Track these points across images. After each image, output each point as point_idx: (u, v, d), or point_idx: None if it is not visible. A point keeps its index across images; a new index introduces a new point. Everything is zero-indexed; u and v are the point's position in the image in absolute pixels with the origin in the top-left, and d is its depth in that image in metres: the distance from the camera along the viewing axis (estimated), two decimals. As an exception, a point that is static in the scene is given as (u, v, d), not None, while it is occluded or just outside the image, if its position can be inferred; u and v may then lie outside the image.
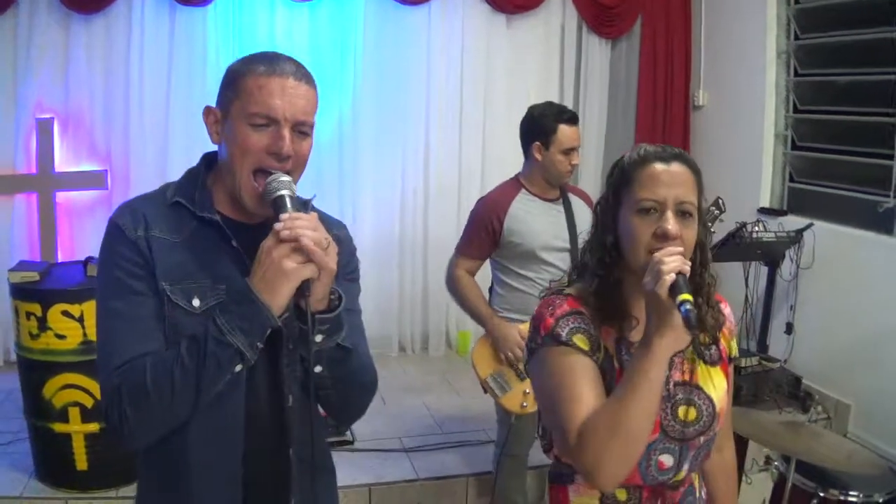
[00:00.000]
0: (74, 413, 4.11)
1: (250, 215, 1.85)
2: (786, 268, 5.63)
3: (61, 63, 6.01)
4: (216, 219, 1.83)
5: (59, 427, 4.14)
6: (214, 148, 1.91)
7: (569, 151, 3.87)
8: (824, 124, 5.89)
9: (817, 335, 5.55)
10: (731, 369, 2.08)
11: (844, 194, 5.59)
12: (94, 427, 4.13)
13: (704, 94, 7.02)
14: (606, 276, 1.93)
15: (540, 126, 3.91)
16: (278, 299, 1.68)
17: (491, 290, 4.12)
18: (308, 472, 1.90)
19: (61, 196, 6.05)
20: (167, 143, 6.15)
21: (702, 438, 1.95)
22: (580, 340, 1.89)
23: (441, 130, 6.82)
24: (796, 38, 6.03)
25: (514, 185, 4.02)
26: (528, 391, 3.82)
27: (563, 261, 3.90)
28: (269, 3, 6.34)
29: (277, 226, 1.67)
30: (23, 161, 5.99)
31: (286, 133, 1.76)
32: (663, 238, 1.82)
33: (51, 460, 4.26)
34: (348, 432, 4.95)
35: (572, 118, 3.92)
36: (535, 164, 3.94)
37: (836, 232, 5.46)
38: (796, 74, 6.08)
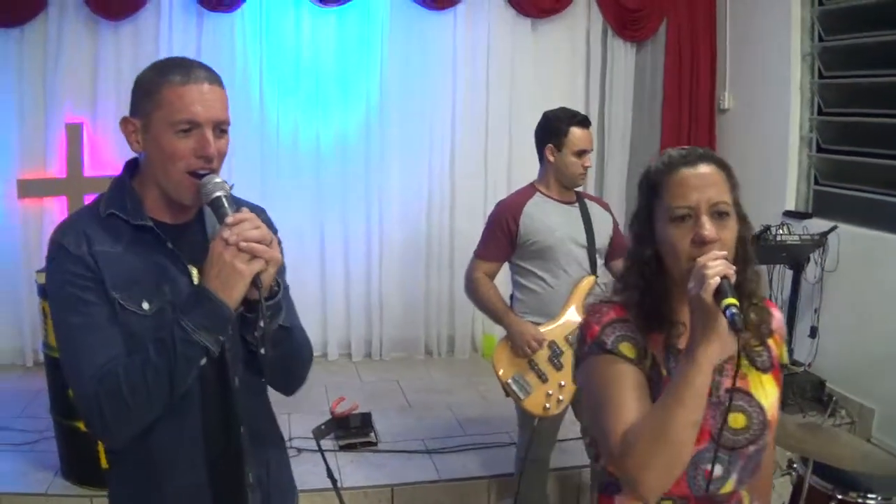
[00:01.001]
0: (100, 412, 4.16)
1: (178, 216, 2.00)
2: (810, 271, 5.61)
3: (90, 69, 6.09)
4: (149, 224, 1.94)
5: (84, 426, 4.18)
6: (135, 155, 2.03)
7: (581, 153, 3.91)
8: (849, 126, 5.86)
9: (841, 339, 5.50)
10: (781, 376, 2.01)
11: (869, 197, 5.55)
12: (119, 426, 4.18)
13: (730, 97, 7.00)
14: (649, 287, 1.90)
15: (552, 129, 3.95)
16: (235, 296, 1.81)
17: (511, 296, 4.13)
18: (261, 447, 2.09)
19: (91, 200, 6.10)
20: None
21: (752, 448, 1.90)
22: (626, 349, 1.88)
23: (467, 134, 6.83)
24: (820, 39, 6.01)
25: (529, 189, 4.07)
26: (550, 393, 3.83)
27: (581, 260, 3.93)
28: (296, 8, 6.39)
29: (224, 233, 1.80)
30: (53, 165, 6.07)
31: (209, 136, 1.89)
32: (702, 244, 1.79)
33: (76, 458, 4.31)
34: (372, 433, 4.99)
35: (584, 121, 3.97)
36: (549, 167, 3.98)
37: (861, 235, 5.43)
38: (821, 76, 6.06)
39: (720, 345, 1.73)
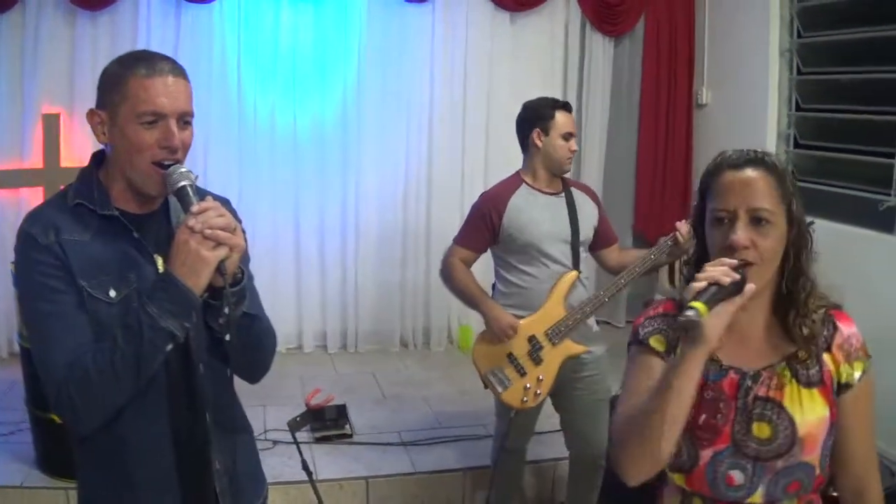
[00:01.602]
0: (75, 403, 4.14)
1: (144, 206, 2.04)
2: (787, 266, 5.61)
3: (67, 59, 6.06)
4: (115, 214, 1.99)
5: (54, 413, 4.17)
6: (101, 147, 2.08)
7: (568, 136, 3.90)
8: (826, 123, 5.88)
9: (818, 334, 5.47)
10: (839, 396, 1.89)
11: (846, 193, 5.57)
12: (94, 417, 4.16)
13: (707, 93, 7.03)
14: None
15: (537, 114, 3.95)
16: (200, 282, 1.86)
17: (493, 287, 4.12)
18: (227, 434, 2.11)
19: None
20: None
21: (780, 463, 1.83)
22: (656, 341, 1.93)
23: (444, 127, 6.84)
24: (799, 36, 6.02)
25: (515, 180, 4.03)
26: (528, 387, 3.82)
27: (565, 255, 3.91)
28: (274, 0, 6.38)
29: (190, 221, 1.85)
30: (30, 155, 6.03)
31: (174, 127, 1.94)
32: (730, 250, 1.79)
33: (52, 450, 4.30)
34: (347, 425, 4.98)
35: (566, 106, 4.00)
36: (536, 154, 3.95)
37: (838, 230, 5.43)
38: (799, 73, 6.07)
39: (705, 349, 1.73)
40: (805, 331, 1.88)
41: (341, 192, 6.65)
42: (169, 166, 1.93)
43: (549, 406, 4.06)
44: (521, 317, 3.86)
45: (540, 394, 3.85)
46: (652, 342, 1.94)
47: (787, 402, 1.86)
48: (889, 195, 5.15)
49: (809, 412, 1.85)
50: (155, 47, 5.94)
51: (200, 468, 2.03)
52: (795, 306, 1.88)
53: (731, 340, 1.87)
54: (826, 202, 5.71)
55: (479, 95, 6.85)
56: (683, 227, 3.67)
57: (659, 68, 7.09)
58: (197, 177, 2.00)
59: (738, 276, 1.72)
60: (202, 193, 2.01)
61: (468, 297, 4.00)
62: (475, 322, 6.72)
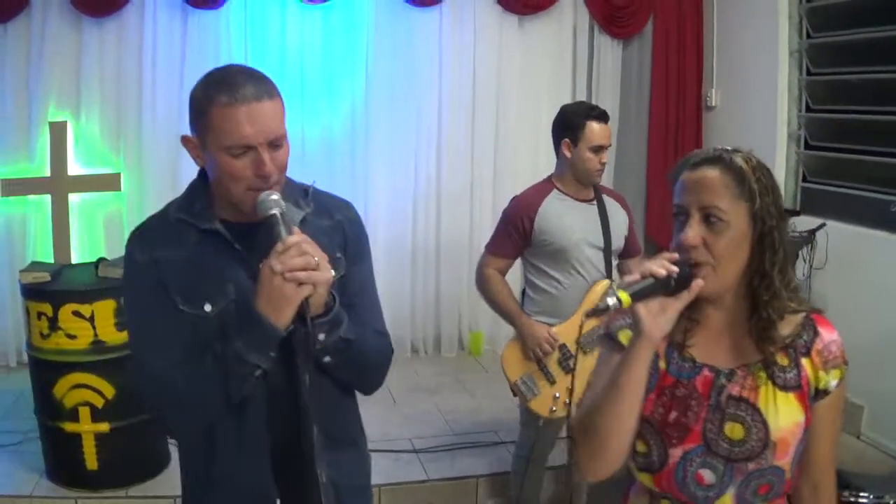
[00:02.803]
0: (85, 413, 4.15)
1: (250, 216, 1.96)
2: (798, 268, 5.58)
3: (74, 66, 6.05)
4: (216, 227, 1.99)
5: (69, 427, 4.17)
6: None
7: (598, 149, 3.82)
8: (837, 123, 5.86)
9: (830, 336, 5.45)
10: (815, 402, 1.86)
11: (857, 194, 5.55)
12: (104, 427, 4.17)
13: (717, 94, 6.98)
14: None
15: (568, 123, 3.87)
16: (283, 320, 1.86)
17: (523, 293, 4.08)
18: (333, 447, 2.07)
19: (75, 198, 6.08)
20: (180, 146, 6.04)
21: (750, 465, 1.81)
22: (624, 335, 1.90)
23: (453, 132, 6.81)
24: (808, 36, 5.99)
25: (546, 185, 3.98)
26: (557, 396, 3.80)
27: (597, 262, 3.88)
28: (281, 6, 6.35)
29: (272, 260, 1.83)
30: (36, 163, 6.02)
31: (265, 156, 1.88)
32: (680, 248, 1.79)
33: (61, 460, 4.30)
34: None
35: (601, 115, 3.88)
36: (566, 163, 3.90)
37: (850, 232, 5.42)
38: (808, 73, 6.05)
39: (647, 345, 1.73)
40: (767, 334, 1.84)
41: (351, 198, 6.56)
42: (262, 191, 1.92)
43: (571, 412, 4.01)
44: (551, 324, 3.83)
45: (569, 403, 3.81)
46: (620, 336, 1.92)
47: (761, 404, 1.83)
48: (901, 196, 5.13)
49: (785, 416, 1.83)
50: (161, 54, 5.99)
51: (304, 480, 2.00)
52: (758, 309, 1.83)
53: (706, 338, 1.88)
54: (837, 203, 5.69)
55: (488, 100, 6.82)
56: None
57: (668, 70, 7.05)
58: (314, 182, 2.14)
59: (674, 270, 1.71)
60: (322, 201, 2.18)
61: (504, 311, 3.98)
62: (486, 328, 6.71)
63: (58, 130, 5.92)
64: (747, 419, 1.82)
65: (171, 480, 4.42)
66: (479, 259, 4.08)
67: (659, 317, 1.72)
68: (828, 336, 1.88)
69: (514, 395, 3.93)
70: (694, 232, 1.77)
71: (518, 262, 4.07)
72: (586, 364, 3.76)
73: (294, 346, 1.94)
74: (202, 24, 6.21)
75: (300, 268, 1.82)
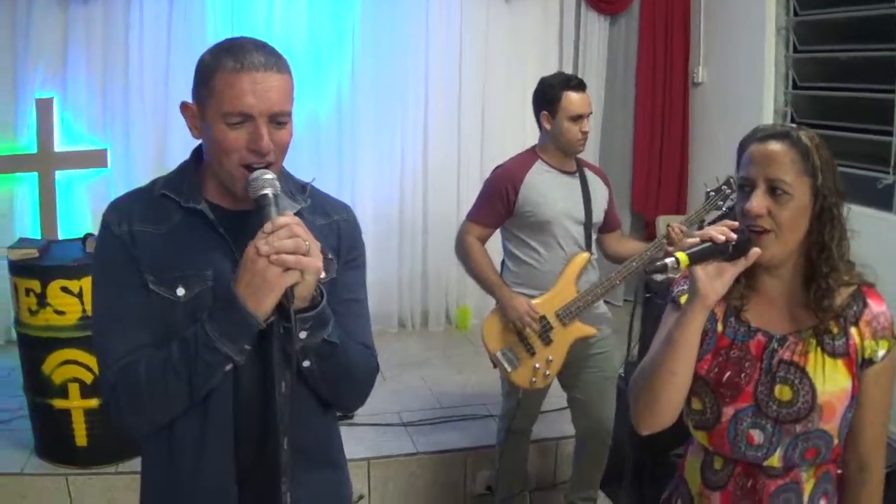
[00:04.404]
0: (74, 389, 4.15)
1: (240, 203, 1.87)
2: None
3: (60, 44, 6.02)
4: (200, 208, 1.86)
5: (58, 403, 4.17)
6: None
7: (577, 118, 3.80)
8: (824, 101, 5.87)
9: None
10: (862, 371, 1.92)
11: (844, 171, 5.47)
12: (93, 403, 4.17)
13: (703, 71, 7.00)
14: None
15: (546, 95, 3.86)
16: (263, 307, 1.73)
17: (502, 263, 4.08)
18: (308, 466, 1.94)
19: (61, 174, 6.06)
20: (167, 123, 6.12)
21: (798, 427, 1.90)
22: (685, 299, 1.96)
23: (440, 110, 6.81)
24: (795, 14, 5.99)
25: (530, 156, 3.96)
26: (537, 367, 3.81)
27: (578, 235, 3.89)
28: (267, -10, 6.35)
29: (259, 241, 1.70)
30: (23, 140, 6.01)
31: (263, 130, 1.78)
32: (746, 216, 1.88)
33: (51, 437, 4.30)
34: (347, 407, 4.97)
35: (579, 85, 3.85)
36: (548, 135, 3.89)
37: (836, 208, 5.44)
38: (795, 51, 6.05)
39: (702, 305, 1.83)
40: (824, 303, 1.91)
41: (337, 178, 6.58)
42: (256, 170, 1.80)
43: (552, 385, 4.04)
44: (531, 296, 3.84)
45: (549, 374, 3.84)
46: (681, 300, 2.00)
47: (809, 369, 1.91)
48: (887, 173, 5.15)
49: (831, 381, 1.90)
50: (147, 34, 5.98)
51: (267, 496, 1.85)
52: (817, 279, 1.92)
53: (760, 304, 1.98)
54: (824, 180, 5.69)
55: (475, 77, 6.81)
56: (676, 227, 3.67)
57: (655, 47, 7.06)
58: (313, 180, 2.03)
59: (733, 237, 1.79)
60: (319, 199, 2.03)
61: (484, 282, 3.96)
62: (472, 302, 6.73)
63: (44, 107, 5.91)
64: (795, 382, 1.91)
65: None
66: (460, 227, 4.05)
67: (715, 280, 1.81)
68: (877, 308, 1.96)
69: (495, 366, 3.94)
70: (760, 201, 1.86)
71: (497, 232, 4.04)
72: (563, 336, 3.80)
73: (271, 345, 1.80)
74: (188, 5, 6.18)
75: (289, 251, 1.68)
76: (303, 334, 1.77)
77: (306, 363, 1.84)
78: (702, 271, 1.82)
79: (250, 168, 1.79)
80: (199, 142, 1.92)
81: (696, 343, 1.88)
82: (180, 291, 1.81)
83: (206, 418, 1.83)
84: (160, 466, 1.91)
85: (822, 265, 1.91)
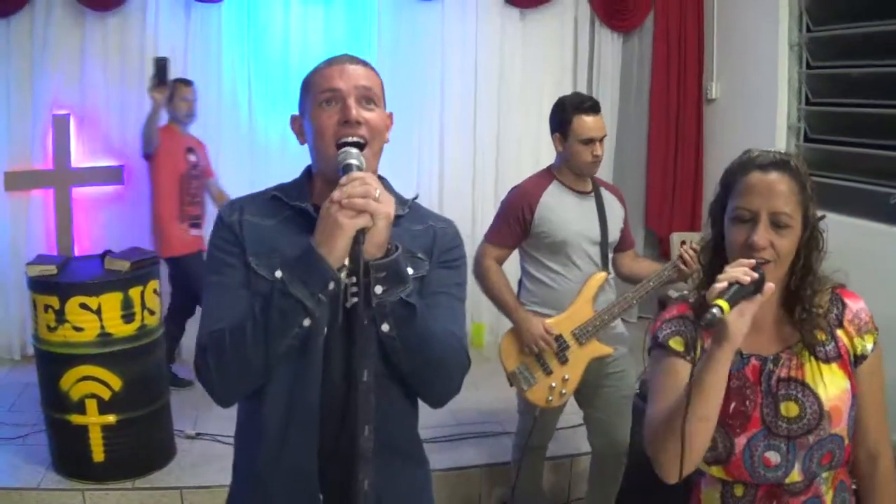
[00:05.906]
0: (91, 405, 4.18)
1: None
2: (798, 260, 5.60)
3: (77, 60, 6.09)
4: (305, 206, 1.99)
5: (76, 419, 4.19)
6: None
7: (588, 142, 3.78)
8: (837, 116, 5.87)
9: (830, 327, 5.47)
10: (857, 368, 1.98)
11: (856, 186, 5.56)
12: (110, 419, 4.19)
13: (717, 87, 7.01)
14: (712, 278, 1.88)
15: (558, 117, 3.86)
16: (335, 251, 1.78)
17: (520, 283, 4.08)
18: (390, 458, 1.96)
19: (78, 191, 6.10)
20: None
21: (811, 437, 1.91)
22: (675, 343, 2.00)
23: (455, 125, 6.85)
24: (808, 30, 6.01)
25: (546, 176, 3.96)
26: (553, 385, 3.80)
27: (594, 255, 3.88)
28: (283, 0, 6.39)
29: (334, 192, 1.77)
30: (39, 157, 6.06)
31: (351, 101, 1.93)
32: (750, 248, 1.86)
33: (68, 452, 4.32)
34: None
35: (592, 107, 3.82)
36: (561, 156, 3.90)
37: (848, 224, 5.41)
38: (808, 67, 6.06)
39: (730, 346, 1.77)
40: (810, 325, 1.95)
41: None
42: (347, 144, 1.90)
43: (571, 404, 4.03)
44: (548, 315, 3.83)
45: (565, 393, 3.83)
46: (672, 343, 2.00)
47: (809, 380, 1.93)
48: (899, 189, 5.15)
49: (832, 386, 1.93)
50: (163, 47, 6.02)
51: (347, 485, 1.80)
52: (801, 303, 1.95)
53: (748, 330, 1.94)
54: (836, 196, 5.69)
55: (489, 92, 6.85)
56: (689, 249, 3.64)
57: (668, 63, 7.09)
58: (416, 196, 2.14)
59: (756, 275, 1.76)
60: (420, 211, 2.13)
61: (501, 304, 3.95)
62: (488, 320, 6.72)
63: (60, 124, 5.95)
64: (799, 396, 1.93)
65: (176, 472, 4.46)
66: (478, 247, 4.04)
67: (739, 320, 1.76)
68: (855, 305, 2.02)
69: (511, 384, 3.94)
70: (764, 234, 1.86)
71: (515, 251, 4.04)
72: (580, 355, 3.80)
73: (352, 324, 1.83)
74: (204, 17, 6.26)
75: (360, 195, 1.74)
76: (378, 288, 1.79)
77: (385, 327, 1.84)
78: (733, 315, 1.77)
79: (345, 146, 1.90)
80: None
81: (724, 386, 1.83)
82: (278, 273, 1.86)
83: (292, 405, 1.90)
84: (249, 449, 1.98)
85: (808, 288, 1.95)
